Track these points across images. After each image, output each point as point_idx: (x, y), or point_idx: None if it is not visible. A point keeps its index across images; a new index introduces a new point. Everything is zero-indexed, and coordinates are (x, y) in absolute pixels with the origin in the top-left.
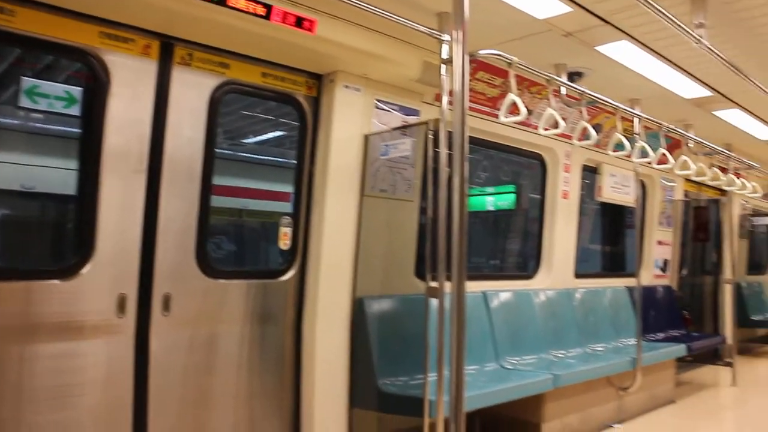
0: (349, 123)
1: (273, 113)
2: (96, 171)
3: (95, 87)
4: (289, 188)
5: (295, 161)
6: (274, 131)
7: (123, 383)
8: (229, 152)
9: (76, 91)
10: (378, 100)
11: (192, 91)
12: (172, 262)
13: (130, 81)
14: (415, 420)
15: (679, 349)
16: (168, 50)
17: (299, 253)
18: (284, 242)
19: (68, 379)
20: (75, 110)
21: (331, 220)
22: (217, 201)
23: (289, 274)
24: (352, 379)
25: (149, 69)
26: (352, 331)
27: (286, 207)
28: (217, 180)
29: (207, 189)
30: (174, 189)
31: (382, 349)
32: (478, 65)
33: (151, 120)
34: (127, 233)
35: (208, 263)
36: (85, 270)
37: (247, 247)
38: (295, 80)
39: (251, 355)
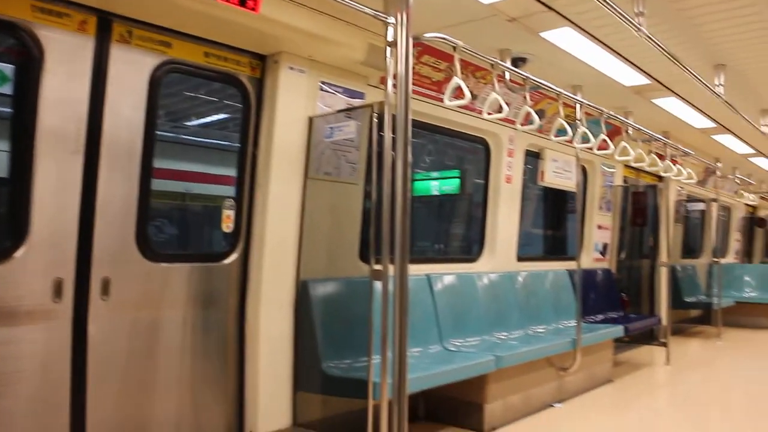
0: (293, 105)
1: (217, 95)
2: (30, 152)
3: (28, 64)
4: (232, 172)
5: (238, 144)
6: (218, 114)
7: (60, 370)
8: (172, 135)
9: (8, 68)
10: (323, 83)
11: (131, 70)
12: (112, 245)
13: (65, 58)
14: (359, 402)
15: (617, 330)
16: (106, 27)
17: (242, 236)
18: (227, 225)
19: (2, 367)
20: (7, 89)
21: (275, 202)
22: (158, 184)
23: (232, 258)
24: (296, 362)
25: (86, 46)
26: (296, 314)
27: (230, 191)
28: (159, 163)
29: (147, 171)
30: (113, 171)
31: (327, 332)
32: (423, 49)
33: (89, 99)
34: (63, 216)
35: (149, 246)
36: (18, 254)
37: (190, 231)
38: (238, 61)
39: (194, 340)
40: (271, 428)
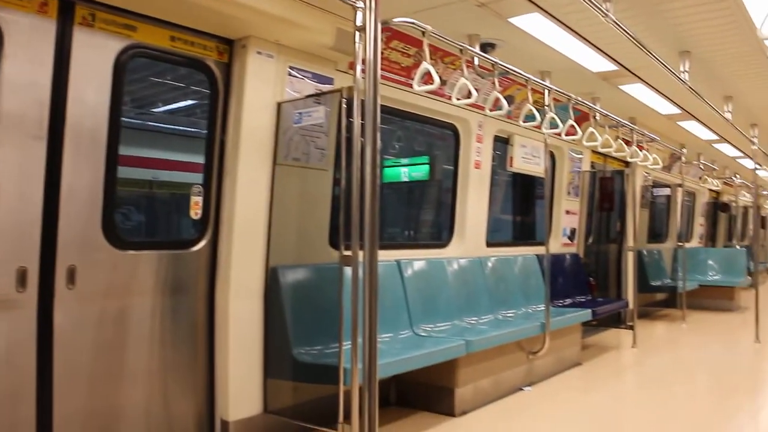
0: (261, 90)
1: (184, 80)
2: None
3: None
4: (200, 159)
5: (206, 131)
6: (185, 100)
7: (25, 361)
8: (138, 121)
9: None
10: (291, 68)
11: (95, 54)
12: (77, 233)
13: (26, 41)
14: (330, 388)
15: (585, 314)
16: (68, 9)
17: (211, 222)
18: (195, 212)
19: None
20: None
21: (244, 189)
22: (125, 171)
23: (201, 244)
24: (266, 349)
25: (48, 29)
26: (266, 301)
27: (199, 179)
28: (126, 150)
29: (113, 158)
30: (78, 157)
31: (297, 319)
32: (392, 34)
33: (51, 84)
34: (26, 203)
35: (116, 234)
36: None
37: (158, 218)
38: (205, 45)
39: (163, 328)
40: (241, 416)
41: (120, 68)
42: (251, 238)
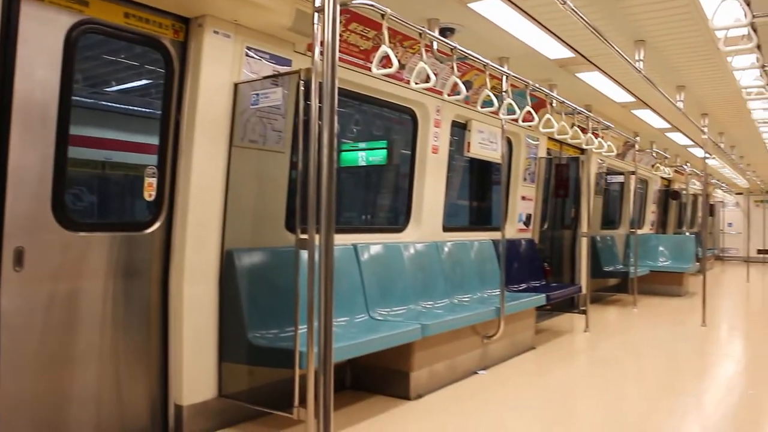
0: (218, 70)
1: (139, 59)
2: None
3: None
4: (155, 140)
5: (161, 111)
6: (140, 79)
7: None
8: (91, 101)
9: None
10: (248, 48)
11: (45, 29)
12: (25, 213)
13: None
14: (285, 372)
15: (540, 299)
16: None
17: (165, 204)
18: (149, 193)
19: None
20: None
21: (199, 170)
22: (77, 152)
23: (155, 226)
24: (221, 333)
25: None
26: (222, 284)
27: (153, 160)
28: (78, 129)
29: (64, 137)
30: (26, 135)
31: (252, 302)
32: (351, 16)
33: None
34: None
35: (67, 215)
36: None
37: (111, 199)
38: (160, 23)
39: (115, 312)
40: (196, 400)
41: (71, 44)
42: (206, 221)
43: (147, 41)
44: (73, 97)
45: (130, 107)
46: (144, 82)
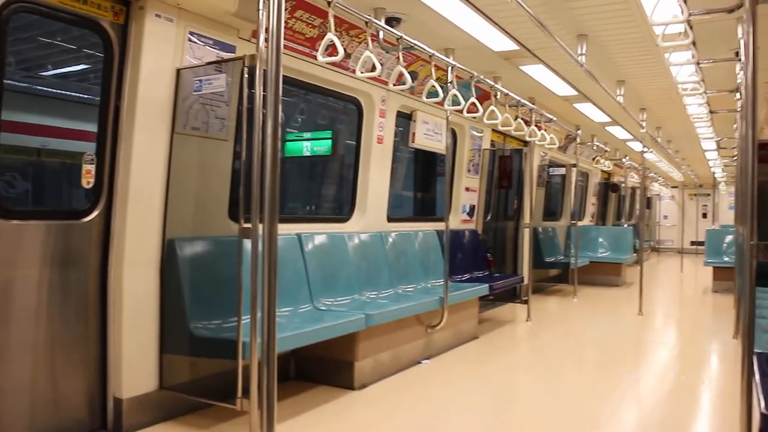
0: (160, 55)
1: (77, 42)
2: None
3: None
4: (94, 127)
5: (99, 96)
6: (78, 63)
7: None
8: (24, 84)
9: None
10: (192, 33)
11: None
12: None
13: None
14: (228, 363)
15: (483, 289)
16: None
17: (104, 192)
18: (87, 180)
19: None
20: None
21: (140, 158)
22: (9, 138)
23: (93, 215)
24: (162, 323)
25: None
26: (163, 274)
27: (92, 148)
28: (11, 116)
29: None
30: None
31: (195, 292)
32: (297, 3)
33: None
34: None
35: (1, 203)
36: None
37: (46, 187)
38: (99, 4)
39: (51, 302)
40: (136, 393)
41: (1, 24)
42: (147, 209)
43: (85, 23)
44: (5, 81)
45: (68, 92)
46: (83, 66)
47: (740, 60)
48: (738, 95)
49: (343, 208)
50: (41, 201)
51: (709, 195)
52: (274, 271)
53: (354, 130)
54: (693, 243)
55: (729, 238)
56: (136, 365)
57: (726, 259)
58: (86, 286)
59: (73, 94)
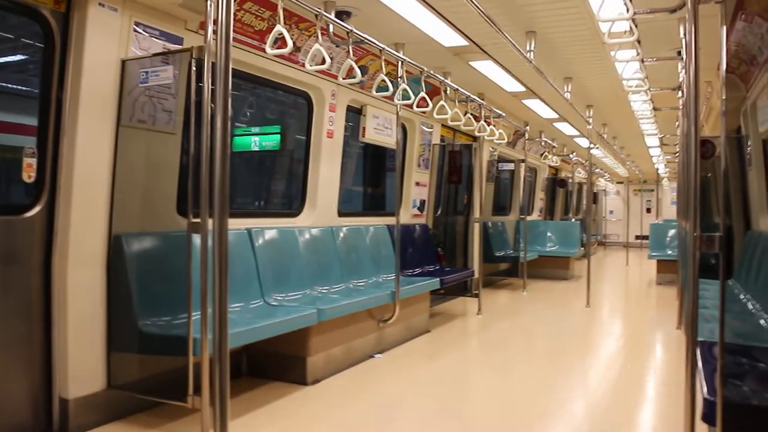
0: (104, 46)
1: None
2: None
3: None
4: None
5: (40, 87)
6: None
7: None
8: None
9: None
10: (137, 24)
11: None
12: None
13: None
14: (179, 360)
15: (434, 283)
16: None
17: (47, 187)
18: (28, 175)
19: None
20: None
21: (83, 151)
22: None
23: (35, 210)
24: (110, 321)
25: None
26: (109, 270)
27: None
28: None
29: None
30: None
31: (143, 289)
32: None
33: None
34: None
35: None
36: None
37: None
38: None
39: None
40: (82, 393)
41: None
42: (92, 204)
43: (22, 10)
44: None
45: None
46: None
47: (682, 59)
48: (680, 93)
49: (292, 204)
50: None
51: (652, 190)
52: (224, 266)
53: (304, 125)
54: (638, 237)
55: (672, 232)
56: (82, 364)
57: (669, 252)
58: (29, 284)
59: (8, 85)
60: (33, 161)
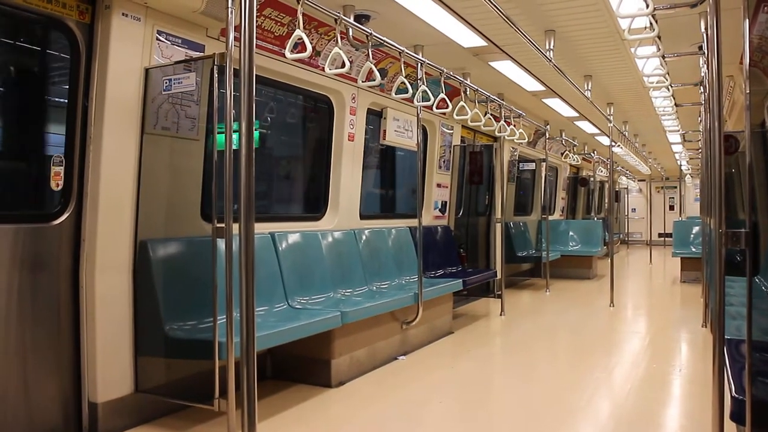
0: (128, 55)
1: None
2: None
3: None
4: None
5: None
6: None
7: None
8: None
9: None
10: (159, 32)
11: None
12: None
13: None
14: (204, 364)
15: (456, 284)
16: None
17: (74, 194)
18: (56, 182)
19: None
20: None
21: (109, 159)
22: None
23: (63, 217)
24: (137, 326)
25: None
26: (136, 276)
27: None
28: None
29: None
30: None
31: (168, 294)
32: (266, 1)
33: None
34: None
35: None
36: None
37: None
38: (65, 3)
39: (21, 307)
40: (111, 396)
41: None
42: (118, 211)
43: (50, 22)
44: None
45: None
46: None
47: (703, 53)
48: (701, 89)
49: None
50: (7, 204)
51: (675, 187)
52: (251, 270)
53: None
54: (660, 235)
55: (696, 229)
56: (110, 368)
57: (693, 249)
58: (58, 290)
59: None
60: (60, 169)
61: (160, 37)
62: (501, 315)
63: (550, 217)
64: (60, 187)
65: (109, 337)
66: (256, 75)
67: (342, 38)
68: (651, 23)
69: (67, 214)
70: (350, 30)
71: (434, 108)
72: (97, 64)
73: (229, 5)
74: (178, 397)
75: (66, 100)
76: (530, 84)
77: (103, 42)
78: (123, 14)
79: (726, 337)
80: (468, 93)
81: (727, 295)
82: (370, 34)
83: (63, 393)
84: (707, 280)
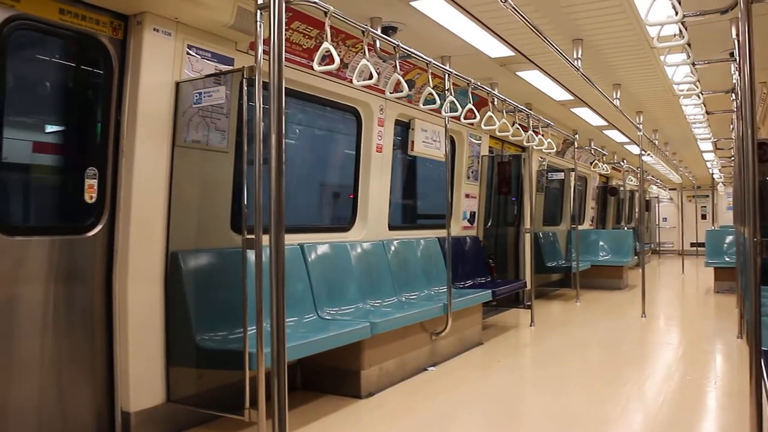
0: (159, 69)
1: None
2: None
3: None
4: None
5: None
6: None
7: None
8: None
9: None
10: (189, 46)
11: None
12: None
13: None
14: (235, 374)
15: (486, 295)
16: None
17: (107, 206)
18: (90, 195)
19: None
20: None
21: (141, 171)
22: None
23: (97, 229)
24: (168, 336)
25: None
26: (167, 287)
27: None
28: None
29: None
30: None
31: (199, 305)
32: (293, 15)
33: None
34: None
35: (3, 220)
36: None
37: (48, 203)
38: (98, 20)
39: (56, 318)
40: (143, 406)
41: (2, 42)
42: (150, 223)
43: (84, 39)
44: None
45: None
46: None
47: (735, 60)
48: (733, 96)
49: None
50: (44, 217)
51: (707, 196)
52: (281, 281)
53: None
54: (693, 244)
55: (729, 238)
56: (143, 378)
57: (727, 259)
58: (91, 301)
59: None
60: (94, 182)
61: (191, 52)
62: (531, 326)
63: (580, 227)
64: (93, 200)
65: (142, 347)
66: (285, 87)
67: (369, 50)
68: (680, 30)
69: (101, 226)
70: (377, 42)
71: (462, 118)
72: (129, 78)
73: (258, 19)
74: (209, 407)
75: (100, 114)
76: (558, 93)
77: (135, 57)
78: (154, 29)
79: (763, 348)
80: (495, 103)
81: (763, 306)
82: (398, 45)
83: (96, 402)
84: (742, 290)
